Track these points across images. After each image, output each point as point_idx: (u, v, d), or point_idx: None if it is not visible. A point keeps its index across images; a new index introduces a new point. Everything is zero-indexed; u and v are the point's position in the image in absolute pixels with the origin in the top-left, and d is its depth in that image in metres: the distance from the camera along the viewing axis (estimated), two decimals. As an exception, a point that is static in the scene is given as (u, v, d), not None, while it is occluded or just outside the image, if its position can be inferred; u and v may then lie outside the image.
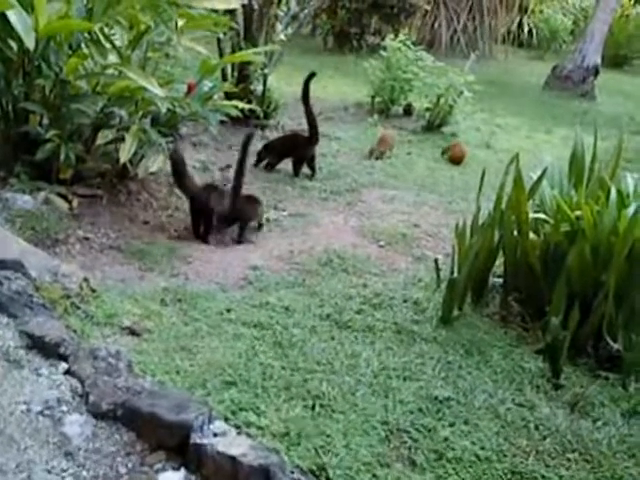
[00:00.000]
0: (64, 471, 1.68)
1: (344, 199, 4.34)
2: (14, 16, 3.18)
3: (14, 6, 3.21)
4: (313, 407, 2.10)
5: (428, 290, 3.06)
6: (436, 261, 3.18)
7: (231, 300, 2.82)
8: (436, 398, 2.24)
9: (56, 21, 3.38)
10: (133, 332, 2.50)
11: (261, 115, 5.40)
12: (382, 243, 3.68)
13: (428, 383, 2.32)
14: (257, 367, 2.29)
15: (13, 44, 3.43)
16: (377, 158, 5.28)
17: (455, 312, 2.83)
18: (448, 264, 3.11)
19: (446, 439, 2.04)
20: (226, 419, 1.94)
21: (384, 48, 6.87)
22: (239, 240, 3.64)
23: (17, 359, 2.02)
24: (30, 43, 3.21)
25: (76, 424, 1.81)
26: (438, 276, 3.08)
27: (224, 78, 5.28)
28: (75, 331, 2.31)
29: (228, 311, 2.71)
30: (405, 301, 2.95)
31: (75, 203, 3.48)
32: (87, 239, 3.25)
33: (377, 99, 6.86)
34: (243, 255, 3.35)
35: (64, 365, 2.02)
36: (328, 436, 1.97)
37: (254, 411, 2.02)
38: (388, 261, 3.45)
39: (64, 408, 1.86)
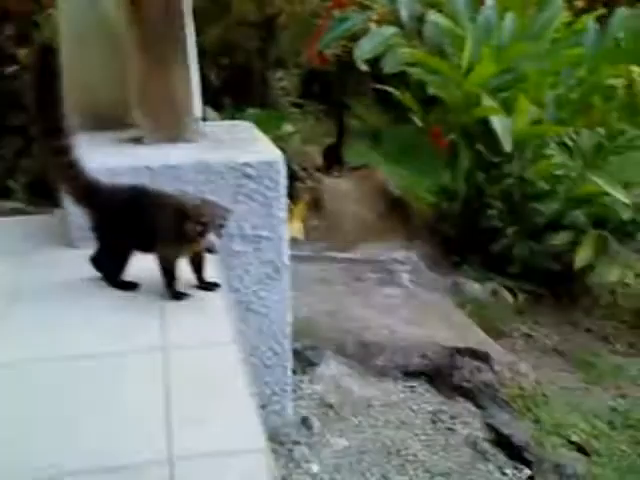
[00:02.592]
0: None
1: None
2: (496, 121, 3.50)
3: (499, 111, 3.54)
4: None
5: None
6: None
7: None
8: None
9: (531, 126, 3.62)
10: (581, 450, 2.41)
11: None
12: None
13: None
14: None
15: (482, 144, 3.79)
16: None
17: None
18: None
19: None
20: None
21: None
22: None
23: (483, 451, 2.13)
24: (507, 146, 3.47)
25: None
26: None
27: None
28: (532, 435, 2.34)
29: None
30: None
31: (520, 298, 3.58)
32: (530, 336, 3.29)
33: None
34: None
35: (527, 471, 2.04)
36: None
37: None
38: None
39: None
